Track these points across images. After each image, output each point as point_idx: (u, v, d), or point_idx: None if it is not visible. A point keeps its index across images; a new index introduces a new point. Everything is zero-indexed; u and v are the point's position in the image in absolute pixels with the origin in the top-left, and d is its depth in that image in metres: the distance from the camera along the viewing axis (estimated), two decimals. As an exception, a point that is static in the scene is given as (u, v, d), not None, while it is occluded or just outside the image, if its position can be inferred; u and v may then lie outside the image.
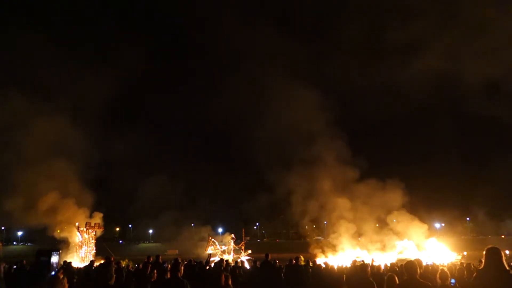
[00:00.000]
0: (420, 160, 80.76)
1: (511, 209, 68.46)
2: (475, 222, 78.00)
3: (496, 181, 67.45)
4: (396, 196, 43.41)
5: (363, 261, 18.40)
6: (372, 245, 42.13)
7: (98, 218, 43.71)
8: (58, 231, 44.13)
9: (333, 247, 42.03)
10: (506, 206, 68.01)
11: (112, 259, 10.85)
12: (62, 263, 22.32)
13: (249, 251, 41.26)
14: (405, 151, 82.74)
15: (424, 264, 11.55)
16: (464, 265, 15.68)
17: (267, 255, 13.17)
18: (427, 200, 56.69)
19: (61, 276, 6.58)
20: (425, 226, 42.91)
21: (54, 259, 25.11)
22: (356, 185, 44.53)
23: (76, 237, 41.55)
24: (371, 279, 7.77)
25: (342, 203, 43.62)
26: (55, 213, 41.26)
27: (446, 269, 7.82)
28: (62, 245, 39.18)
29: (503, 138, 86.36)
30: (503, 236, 68.96)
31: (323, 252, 41.30)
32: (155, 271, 8.46)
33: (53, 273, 20.09)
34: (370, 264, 17.45)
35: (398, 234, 42.75)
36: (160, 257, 14.07)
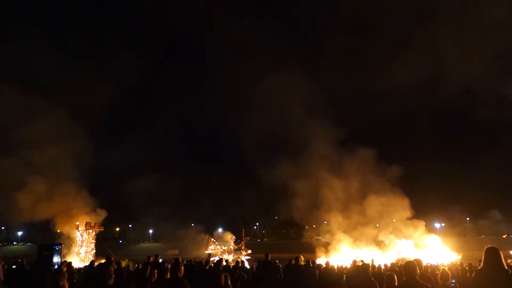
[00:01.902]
0: (419, 160, 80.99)
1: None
2: (474, 222, 78.10)
3: (494, 181, 67.86)
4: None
5: (362, 261, 18.41)
6: (370, 244, 42.16)
7: (100, 216, 43.83)
8: (58, 231, 44.19)
9: (331, 246, 42.00)
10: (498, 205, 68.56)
11: (112, 259, 10.86)
12: (62, 260, 22.46)
13: (249, 251, 41.30)
14: (403, 151, 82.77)
15: (424, 264, 11.53)
16: (465, 265, 15.66)
17: (267, 255, 13.16)
18: (427, 200, 56.63)
19: (65, 269, 6.61)
20: (405, 201, 42.84)
21: (56, 256, 25.37)
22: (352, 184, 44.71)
23: (77, 237, 41.56)
24: (373, 279, 7.75)
25: (336, 200, 43.88)
26: (50, 204, 41.21)
27: (447, 270, 7.81)
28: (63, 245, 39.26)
29: (502, 139, 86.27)
30: (504, 236, 68.93)
31: (325, 252, 41.28)
32: (156, 271, 8.46)
33: (56, 267, 20.21)
34: (371, 264, 17.44)
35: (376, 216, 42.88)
36: (158, 256, 14.09)
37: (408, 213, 42.48)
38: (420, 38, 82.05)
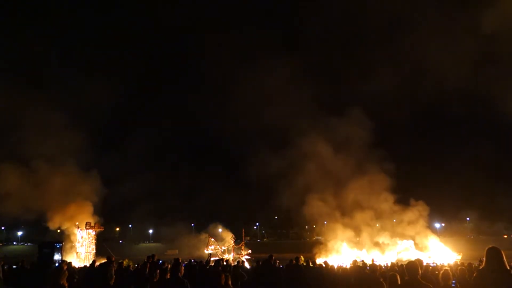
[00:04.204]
0: (421, 160, 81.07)
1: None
2: (475, 222, 78.11)
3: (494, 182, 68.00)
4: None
5: (362, 260, 18.39)
6: (370, 245, 42.19)
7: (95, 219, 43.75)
8: (59, 231, 44.13)
9: (331, 246, 42.01)
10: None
11: (113, 259, 10.84)
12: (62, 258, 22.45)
13: (249, 251, 41.28)
14: (405, 151, 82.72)
15: (425, 264, 11.50)
16: (465, 265, 15.63)
17: (270, 256, 13.10)
18: (427, 199, 56.62)
19: (65, 267, 6.61)
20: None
21: (57, 254, 25.41)
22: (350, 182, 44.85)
23: (77, 237, 41.52)
24: (381, 279, 7.71)
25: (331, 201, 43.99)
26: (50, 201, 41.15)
27: (449, 270, 7.77)
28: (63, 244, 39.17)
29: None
30: (505, 236, 68.81)
31: (324, 252, 41.28)
32: (158, 271, 8.46)
33: (56, 265, 20.27)
34: (371, 264, 17.43)
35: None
36: (156, 256, 14.07)
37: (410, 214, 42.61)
38: (402, 41, 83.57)
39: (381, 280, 7.63)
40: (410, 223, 42.81)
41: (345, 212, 44.08)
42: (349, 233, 43.14)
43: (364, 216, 43.62)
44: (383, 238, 42.82)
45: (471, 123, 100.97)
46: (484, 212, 70.42)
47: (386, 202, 43.37)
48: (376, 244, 42.32)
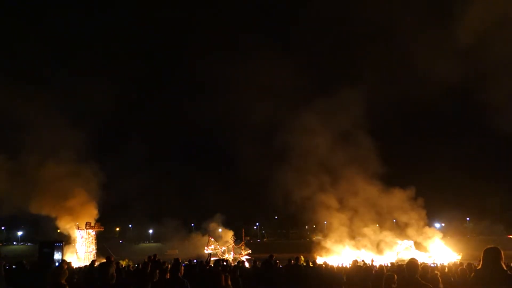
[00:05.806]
0: (421, 160, 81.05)
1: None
2: (474, 222, 78.12)
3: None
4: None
5: (363, 260, 18.45)
6: (370, 245, 42.21)
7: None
8: (59, 231, 44.16)
9: (331, 246, 42.02)
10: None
11: (112, 259, 10.88)
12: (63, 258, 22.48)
13: (249, 251, 41.36)
14: (405, 151, 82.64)
15: (422, 264, 11.52)
16: (464, 265, 15.64)
17: (270, 256, 13.14)
18: (427, 199, 56.68)
19: (65, 267, 6.64)
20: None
21: (57, 254, 25.42)
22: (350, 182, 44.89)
23: (76, 237, 41.54)
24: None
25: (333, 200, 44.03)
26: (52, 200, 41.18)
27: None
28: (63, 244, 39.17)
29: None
30: (510, 236, 68.58)
31: (324, 252, 41.31)
32: (157, 271, 8.48)
33: (56, 264, 20.29)
34: (370, 264, 17.46)
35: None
36: (156, 255, 14.14)
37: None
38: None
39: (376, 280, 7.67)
40: (410, 222, 42.85)
41: (344, 211, 44.11)
42: (349, 233, 43.17)
43: (363, 215, 43.66)
44: (383, 238, 42.82)
45: (470, 123, 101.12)
46: (483, 212, 70.51)
47: (385, 200, 43.45)
48: (376, 244, 42.33)
